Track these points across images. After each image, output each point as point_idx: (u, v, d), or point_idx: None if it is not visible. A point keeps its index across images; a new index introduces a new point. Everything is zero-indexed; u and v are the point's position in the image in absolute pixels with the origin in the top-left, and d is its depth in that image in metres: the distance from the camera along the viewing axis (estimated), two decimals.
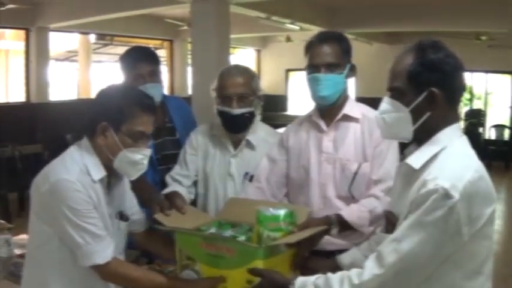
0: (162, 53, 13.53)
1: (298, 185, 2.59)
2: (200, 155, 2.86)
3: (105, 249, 2.03)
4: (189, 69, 11.66)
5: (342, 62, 2.46)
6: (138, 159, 2.08)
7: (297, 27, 10.04)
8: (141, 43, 12.93)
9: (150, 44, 13.21)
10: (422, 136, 1.74)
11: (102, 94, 2.14)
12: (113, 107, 2.05)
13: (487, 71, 13.07)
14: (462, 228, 1.57)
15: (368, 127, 2.48)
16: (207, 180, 2.84)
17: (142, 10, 8.76)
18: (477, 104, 14.08)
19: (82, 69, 11.58)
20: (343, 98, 2.53)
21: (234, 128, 2.75)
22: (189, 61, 11.92)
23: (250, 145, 2.80)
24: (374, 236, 2.22)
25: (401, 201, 1.74)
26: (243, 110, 2.68)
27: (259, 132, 2.82)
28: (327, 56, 2.43)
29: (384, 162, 2.42)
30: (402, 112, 1.73)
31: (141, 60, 2.96)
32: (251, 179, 2.72)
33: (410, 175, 1.75)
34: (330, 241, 2.44)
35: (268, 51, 16.03)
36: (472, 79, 13.28)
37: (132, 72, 2.95)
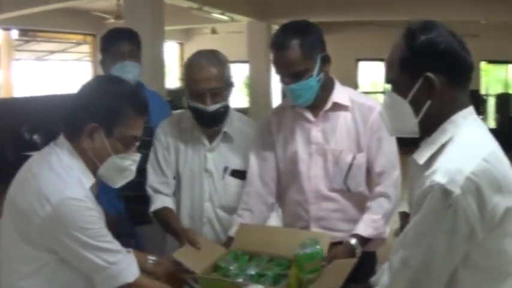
0: (85, 49, 13.10)
1: (288, 178, 2.46)
2: (172, 152, 2.59)
3: (131, 264, 1.87)
4: None
5: (309, 64, 2.23)
6: (127, 165, 1.86)
7: (227, 18, 10.01)
8: (64, 38, 12.51)
9: (73, 39, 12.78)
10: (429, 128, 1.54)
11: (89, 90, 1.86)
12: (105, 107, 1.79)
13: None
14: (475, 226, 1.36)
15: (360, 114, 2.32)
16: (180, 178, 2.60)
17: (67, 3, 8.55)
18: None
19: (4, 68, 11.06)
20: (326, 88, 2.33)
21: (210, 124, 2.50)
22: None
23: (227, 138, 2.56)
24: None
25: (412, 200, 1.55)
26: (218, 105, 2.42)
27: (235, 123, 2.59)
28: (290, 65, 2.22)
29: (385, 150, 2.30)
30: (402, 105, 1.53)
31: (122, 38, 2.92)
32: (233, 173, 2.56)
33: (417, 171, 1.55)
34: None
35: (192, 44, 15.54)
36: None
37: (112, 50, 2.89)
